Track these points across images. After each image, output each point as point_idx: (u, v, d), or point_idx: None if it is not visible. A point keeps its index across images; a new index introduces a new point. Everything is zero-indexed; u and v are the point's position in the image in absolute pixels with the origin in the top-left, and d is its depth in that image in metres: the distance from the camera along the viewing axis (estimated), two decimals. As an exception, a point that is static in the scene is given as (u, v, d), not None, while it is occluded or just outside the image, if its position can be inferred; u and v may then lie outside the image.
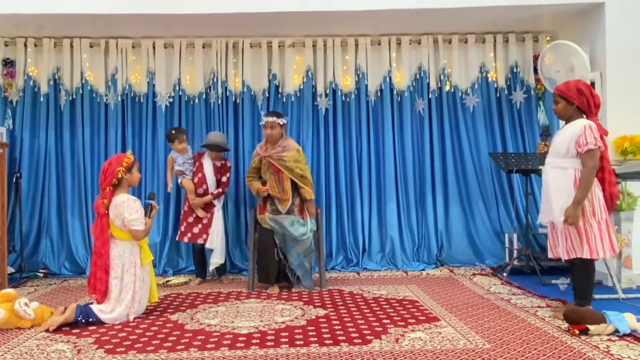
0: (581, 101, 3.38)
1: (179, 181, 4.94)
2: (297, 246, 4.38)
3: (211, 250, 4.80)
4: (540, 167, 4.66)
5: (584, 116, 3.43)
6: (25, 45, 5.35)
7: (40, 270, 5.22)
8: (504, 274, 4.74)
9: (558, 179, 3.40)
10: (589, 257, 3.31)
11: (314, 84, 5.49)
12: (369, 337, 3.06)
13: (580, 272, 3.42)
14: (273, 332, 3.22)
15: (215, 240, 4.76)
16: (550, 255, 3.57)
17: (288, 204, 4.45)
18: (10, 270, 4.91)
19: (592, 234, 3.29)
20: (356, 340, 3.01)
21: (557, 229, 3.45)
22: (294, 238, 4.36)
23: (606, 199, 3.38)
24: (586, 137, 3.26)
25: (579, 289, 3.45)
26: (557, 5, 4.77)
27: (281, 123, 4.45)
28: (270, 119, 4.42)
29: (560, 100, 3.46)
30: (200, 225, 4.81)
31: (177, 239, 4.99)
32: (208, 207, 4.83)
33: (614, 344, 2.86)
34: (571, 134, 3.35)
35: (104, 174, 3.57)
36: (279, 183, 4.44)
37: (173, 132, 4.87)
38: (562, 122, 3.62)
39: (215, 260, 4.80)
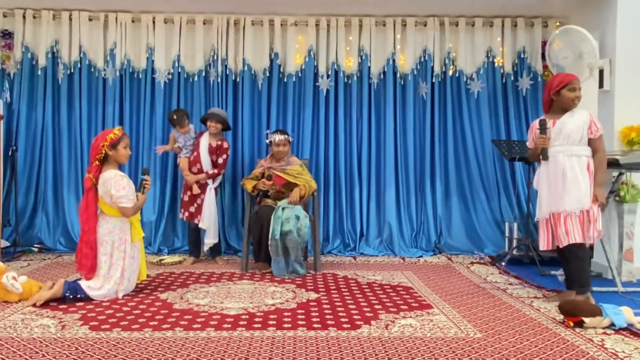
0: None
1: (178, 161, 4.87)
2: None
3: (204, 230, 4.76)
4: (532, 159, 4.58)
5: None
6: (24, 17, 5.26)
7: (35, 245, 5.19)
8: (502, 263, 4.67)
9: (574, 168, 3.39)
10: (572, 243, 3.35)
11: (315, 64, 5.37)
12: (358, 322, 3.00)
13: (572, 259, 3.41)
14: (262, 314, 3.16)
15: (208, 220, 4.69)
16: (549, 247, 3.53)
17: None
18: (5, 244, 4.89)
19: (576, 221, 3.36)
20: (345, 325, 2.95)
21: (559, 218, 3.40)
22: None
23: None
24: (596, 124, 3.43)
25: (576, 277, 3.42)
26: (568, -11, 4.64)
27: (290, 140, 4.68)
28: (281, 137, 4.59)
29: (580, 88, 3.51)
30: (196, 205, 4.75)
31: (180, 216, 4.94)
32: (202, 187, 4.76)
33: (609, 337, 2.78)
34: (583, 122, 3.42)
35: (91, 148, 3.50)
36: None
37: (175, 116, 4.75)
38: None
39: (209, 240, 4.75)
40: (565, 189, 3.39)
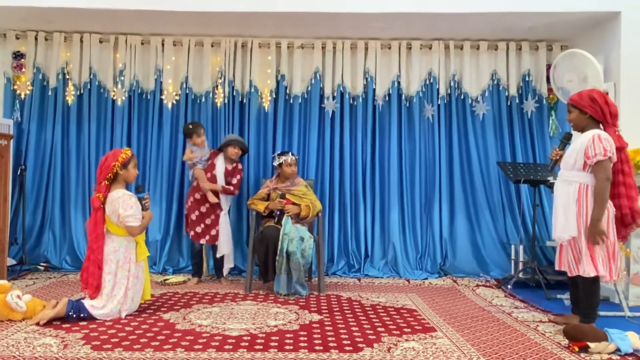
0: (594, 110, 3.27)
1: (191, 173, 4.88)
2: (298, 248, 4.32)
3: (211, 249, 4.84)
4: (550, 177, 4.57)
5: (600, 126, 3.31)
6: (36, 39, 5.36)
7: (41, 264, 5.21)
8: (508, 287, 4.63)
9: (562, 194, 3.31)
10: (590, 275, 3.21)
11: (321, 86, 5.42)
12: (360, 345, 2.98)
13: (583, 290, 3.33)
14: (264, 335, 3.15)
15: (227, 247, 4.74)
16: (557, 267, 3.48)
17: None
18: (12, 262, 4.92)
19: (597, 253, 3.19)
20: (347, 348, 2.93)
21: (563, 244, 3.36)
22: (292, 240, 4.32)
23: (625, 215, 3.24)
24: (595, 148, 3.13)
25: (582, 307, 3.36)
26: (572, 13, 4.66)
27: (297, 158, 4.80)
28: (293, 157, 4.69)
29: (573, 110, 3.38)
30: (202, 225, 4.77)
31: (185, 232, 5.00)
32: (214, 208, 4.77)
33: (614, 363, 2.75)
34: (580, 144, 3.25)
35: (100, 168, 3.54)
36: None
37: (190, 126, 4.80)
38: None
39: (228, 265, 4.82)
40: (555, 216, 3.35)
